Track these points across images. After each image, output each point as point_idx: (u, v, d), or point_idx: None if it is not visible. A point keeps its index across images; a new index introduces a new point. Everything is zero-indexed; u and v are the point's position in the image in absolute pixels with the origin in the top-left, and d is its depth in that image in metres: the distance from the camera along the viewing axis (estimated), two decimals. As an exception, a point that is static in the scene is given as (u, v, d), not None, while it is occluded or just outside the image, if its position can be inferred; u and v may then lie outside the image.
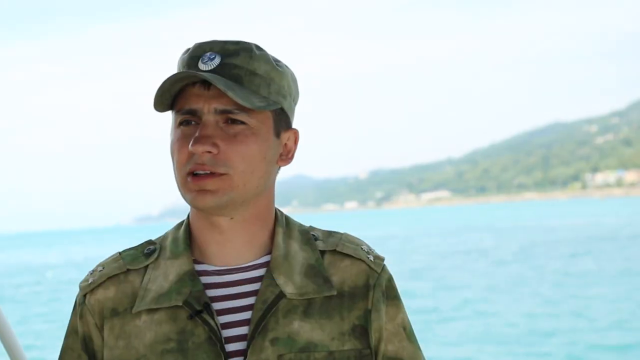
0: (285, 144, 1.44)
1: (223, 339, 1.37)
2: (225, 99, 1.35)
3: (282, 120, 1.43)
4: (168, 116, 1.43)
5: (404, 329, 1.47)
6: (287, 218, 1.50)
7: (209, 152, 1.35)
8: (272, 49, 1.39)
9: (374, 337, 1.43)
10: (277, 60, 1.42)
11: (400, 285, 1.49)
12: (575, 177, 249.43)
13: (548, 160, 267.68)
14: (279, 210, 1.49)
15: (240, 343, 1.38)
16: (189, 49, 1.40)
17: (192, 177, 1.36)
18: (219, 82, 1.33)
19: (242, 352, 1.37)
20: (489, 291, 25.66)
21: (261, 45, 1.41)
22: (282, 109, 1.42)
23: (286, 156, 1.45)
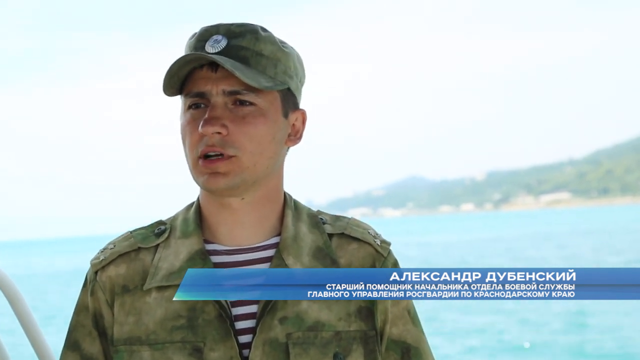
0: (293, 124, 1.46)
1: (233, 317, 1.40)
2: (233, 80, 1.37)
3: (290, 101, 1.44)
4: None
5: (409, 312, 1.50)
6: (295, 202, 1.51)
7: (219, 133, 1.37)
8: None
9: (379, 319, 1.45)
10: (282, 42, 1.44)
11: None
12: None
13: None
14: (288, 194, 1.51)
15: (250, 321, 1.40)
16: (195, 33, 1.43)
17: (204, 160, 1.38)
18: (226, 62, 1.35)
19: (252, 330, 1.40)
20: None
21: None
22: (289, 90, 1.43)
23: (294, 136, 1.47)
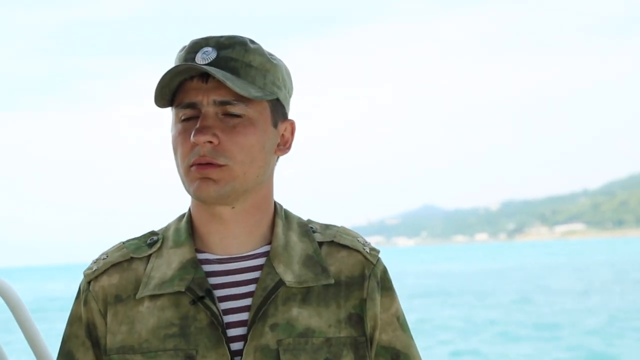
0: (283, 134, 1.49)
1: (224, 324, 1.41)
2: (223, 90, 1.40)
3: (279, 111, 1.47)
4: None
5: (398, 318, 1.52)
6: (285, 211, 1.54)
7: (210, 142, 1.39)
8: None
9: (368, 325, 1.48)
10: (271, 54, 1.47)
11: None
12: None
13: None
14: (278, 203, 1.53)
15: (241, 328, 1.42)
16: (185, 46, 1.46)
17: (196, 166, 1.40)
18: (217, 73, 1.37)
19: (243, 337, 1.42)
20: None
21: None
22: (278, 100, 1.46)
23: (284, 146, 1.50)
